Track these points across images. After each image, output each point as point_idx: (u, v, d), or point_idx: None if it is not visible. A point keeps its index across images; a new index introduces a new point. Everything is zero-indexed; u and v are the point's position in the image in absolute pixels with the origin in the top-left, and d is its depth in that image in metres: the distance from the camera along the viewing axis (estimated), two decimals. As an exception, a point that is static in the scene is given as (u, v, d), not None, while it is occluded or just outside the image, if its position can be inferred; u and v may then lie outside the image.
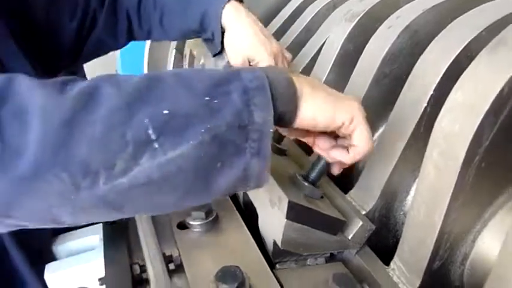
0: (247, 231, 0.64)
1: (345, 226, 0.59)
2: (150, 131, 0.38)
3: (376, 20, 0.77)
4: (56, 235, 0.72)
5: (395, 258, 0.58)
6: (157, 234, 0.61)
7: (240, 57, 0.80)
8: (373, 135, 0.75)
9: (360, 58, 0.75)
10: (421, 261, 0.54)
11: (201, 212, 0.64)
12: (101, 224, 0.68)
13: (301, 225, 0.54)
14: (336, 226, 0.57)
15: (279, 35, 1.05)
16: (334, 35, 0.84)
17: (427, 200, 0.54)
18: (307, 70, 0.90)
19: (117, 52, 1.60)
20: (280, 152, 0.69)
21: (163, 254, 0.58)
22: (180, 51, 1.27)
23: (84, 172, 0.37)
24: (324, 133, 0.53)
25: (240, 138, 0.40)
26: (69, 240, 0.70)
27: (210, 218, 0.65)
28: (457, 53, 0.58)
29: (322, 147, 0.53)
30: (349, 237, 0.59)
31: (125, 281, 0.55)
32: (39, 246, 0.70)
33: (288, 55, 0.83)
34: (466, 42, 0.58)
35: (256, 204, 0.63)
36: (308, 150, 0.76)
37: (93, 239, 0.69)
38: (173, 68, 1.27)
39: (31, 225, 0.41)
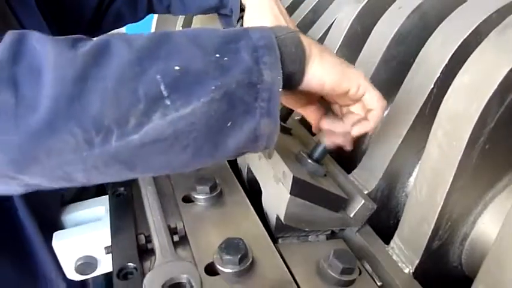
0: (251, 206, 0.65)
1: (347, 204, 0.60)
2: (162, 87, 0.38)
3: (385, 1, 0.76)
4: (64, 205, 0.73)
5: (395, 237, 0.59)
6: (162, 207, 0.62)
7: None
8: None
9: (369, 39, 0.75)
10: (420, 240, 0.55)
11: (206, 186, 0.65)
12: (107, 196, 0.70)
13: (304, 201, 0.55)
14: (338, 203, 0.58)
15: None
16: (342, 16, 0.83)
17: (430, 179, 0.54)
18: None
19: (123, 29, 1.60)
20: (286, 131, 0.70)
21: (168, 226, 0.59)
22: (187, 25, 1.26)
23: (97, 128, 0.37)
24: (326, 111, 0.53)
25: (250, 97, 0.40)
26: (76, 211, 0.71)
27: (215, 193, 0.66)
28: (466, 36, 0.58)
29: (313, 117, 0.54)
30: (351, 215, 0.60)
31: (131, 250, 0.56)
32: (49, 216, 0.71)
33: None
34: (476, 25, 0.58)
35: (260, 180, 0.64)
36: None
37: (99, 209, 0.70)
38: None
39: (44, 184, 0.41)
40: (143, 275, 0.52)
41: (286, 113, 0.69)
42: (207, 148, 0.41)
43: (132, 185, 0.72)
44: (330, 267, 0.53)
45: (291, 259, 0.56)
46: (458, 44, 0.58)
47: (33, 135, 0.36)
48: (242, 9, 0.83)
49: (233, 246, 0.52)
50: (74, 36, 0.40)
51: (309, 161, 0.58)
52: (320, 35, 0.91)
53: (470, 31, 0.58)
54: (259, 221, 0.62)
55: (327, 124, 0.53)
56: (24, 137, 0.36)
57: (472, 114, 0.49)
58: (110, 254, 0.57)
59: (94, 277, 0.70)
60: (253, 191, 0.70)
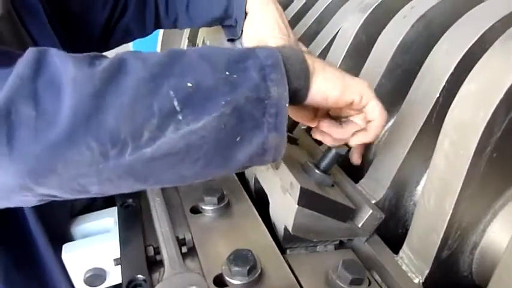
0: (259, 217, 0.65)
1: (355, 214, 0.60)
2: (175, 103, 0.39)
3: (389, 10, 0.76)
4: (73, 217, 0.74)
5: (404, 247, 0.59)
6: (170, 218, 0.63)
7: (256, 44, 0.81)
8: (384, 126, 0.76)
9: (374, 48, 0.75)
10: (429, 249, 0.55)
11: (214, 197, 0.65)
12: (115, 208, 0.70)
13: (312, 211, 0.55)
14: (346, 214, 0.58)
15: (291, 25, 1.05)
16: (347, 25, 0.84)
17: (438, 189, 0.54)
18: (320, 60, 0.90)
19: (130, 44, 1.62)
20: (292, 141, 0.70)
21: (177, 237, 0.59)
22: (192, 41, 1.28)
23: (113, 141, 0.38)
24: (328, 116, 0.55)
25: (259, 112, 0.42)
26: (85, 222, 0.72)
27: (222, 204, 0.66)
28: (471, 44, 0.58)
29: (326, 127, 0.55)
30: (359, 225, 0.59)
31: (140, 262, 0.56)
32: (58, 227, 0.72)
33: (304, 49, 0.84)
34: (480, 33, 0.58)
35: (267, 190, 0.64)
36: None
37: (108, 221, 0.70)
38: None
39: (60, 195, 0.42)
40: (152, 286, 0.52)
41: (293, 123, 0.69)
42: (217, 161, 0.43)
43: (140, 196, 0.73)
44: (339, 278, 0.53)
45: (299, 270, 0.56)
46: (464, 53, 0.58)
47: (52, 147, 0.37)
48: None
49: (242, 258, 0.52)
50: (90, 53, 0.42)
51: (316, 171, 0.58)
52: (325, 45, 0.92)
53: (475, 40, 0.58)
54: (267, 232, 0.62)
55: (326, 127, 0.55)
56: (44, 148, 0.37)
57: (478, 123, 0.49)
58: (119, 266, 0.58)
59: (103, 289, 0.70)
60: (260, 202, 0.70)
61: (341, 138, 0.54)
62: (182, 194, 0.71)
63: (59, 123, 0.37)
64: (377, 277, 0.56)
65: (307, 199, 0.53)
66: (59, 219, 0.73)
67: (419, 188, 0.66)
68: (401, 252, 0.59)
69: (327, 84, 0.47)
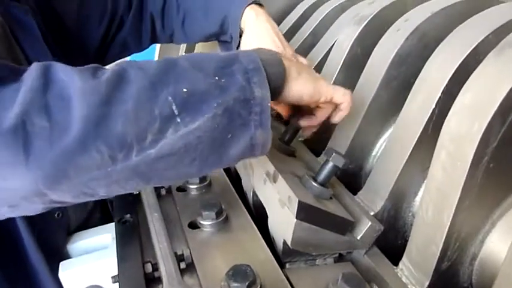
0: (257, 231, 0.65)
1: (354, 226, 0.59)
2: (174, 107, 0.43)
3: (384, 23, 0.77)
4: (70, 234, 0.74)
5: (404, 259, 0.59)
6: (168, 234, 0.62)
7: None
8: (381, 137, 0.76)
9: (369, 60, 0.76)
10: (429, 261, 0.55)
11: (212, 212, 0.65)
12: (113, 223, 0.70)
13: (310, 225, 0.54)
14: (344, 226, 0.58)
15: (286, 38, 1.06)
16: (342, 38, 0.84)
17: (435, 200, 0.54)
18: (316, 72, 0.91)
19: (127, 58, 1.63)
20: (290, 153, 0.70)
21: (175, 253, 0.59)
22: (189, 52, 1.28)
23: (120, 145, 0.42)
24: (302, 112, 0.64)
25: (245, 112, 0.46)
26: (82, 239, 0.71)
27: (221, 218, 0.66)
28: (465, 56, 0.59)
29: (306, 122, 0.64)
30: (358, 238, 0.59)
31: (138, 279, 0.56)
32: (55, 245, 0.71)
33: (303, 60, 0.84)
34: (474, 45, 0.58)
35: (266, 204, 0.64)
36: (316, 151, 0.77)
37: (106, 237, 0.70)
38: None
39: (67, 200, 0.45)
40: (151, 304, 0.52)
41: (290, 136, 0.69)
42: (212, 158, 0.47)
43: (138, 211, 0.73)
44: (339, 292, 0.52)
45: (298, 284, 0.56)
46: (458, 65, 0.59)
47: (65, 154, 0.41)
48: (241, 35, 0.85)
49: (241, 273, 0.51)
50: (91, 65, 0.45)
51: (314, 184, 0.58)
52: (320, 57, 0.93)
53: (469, 51, 0.59)
54: (266, 246, 0.62)
55: (305, 122, 0.64)
56: (58, 155, 0.40)
57: (474, 134, 0.49)
58: (117, 284, 0.57)
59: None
60: (259, 215, 0.70)
61: (318, 123, 0.64)
62: (180, 208, 0.71)
63: (71, 132, 0.40)
64: (377, 290, 0.56)
65: (305, 213, 0.53)
66: (56, 236, 0.72)
67: (418, 198, 0.66)
68: (401, 264, 0.59)
69: (300, 85, 0.54)
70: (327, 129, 0.71)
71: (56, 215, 0.74)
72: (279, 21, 1.17)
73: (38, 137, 0.40)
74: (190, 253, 0.60)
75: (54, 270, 0.66)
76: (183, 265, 0.59)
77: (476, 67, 0.54)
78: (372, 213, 0.63)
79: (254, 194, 0.71)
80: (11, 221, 0.66)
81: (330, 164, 0.57)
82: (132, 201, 0.75)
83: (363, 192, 0.68)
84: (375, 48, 0.75)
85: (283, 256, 0.60)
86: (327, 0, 1.10)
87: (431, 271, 0.54)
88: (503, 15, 0.60)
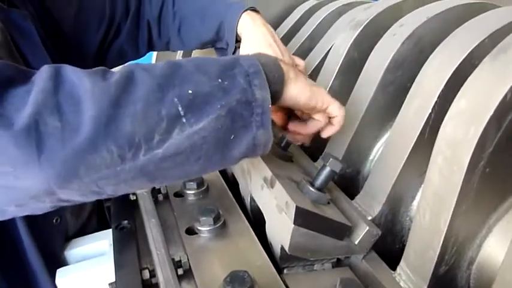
0: (255, 237, 0.65)
1: (352, 231, 0.59)
2: (180, 108, 0.45)
3: (380, 28, 0.78)
4: (68, 240, 0.73)
5: (402, 263, 0.59)
6: (166, 240, 0.62)
7: None
8: (378, 141, 0.77)
9: (365, 65, 0.76)
10: (427, 266, 0.55)
11: (209, 217, 0.65)
12: (110, 230, 0.70)
13: (308, 230, 0.54)
14: (342, 231, 0.58)
15: (283, 43, 1.07)
16: (339, 43, 0.85)
17: (432, 205, 0.54)
18: (313, 77, 0.91)
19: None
20: (287, 158, 0.70)
21: (172, 259, 0.59)
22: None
23: (129, 144, 0.43)
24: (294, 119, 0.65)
25: (247, 113, 0.48)
26: (80, 245, 0.71)
27: (218, 224, 0.66)
28: (460, 60, 0.59)
29: (293, 127, 0.65)
30: (356, 243, 0.59)
31: (135, 286, 0.56)
32: (53, 250, 0.71)
33: (300, 62, 0.85)
34: (470, 50, 0.59)
35: (263, 209, 0.64)
36: (313, 156, 0.77)
37: (103, 244, 0.70)
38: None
39: (78, 199, 0.47)
40: (148, 311, 0.52)
41: (287, 141, 0.69)
42: (216, 158, 0.49)
43: (135, 217, 0.72)
44: (337, 297, 0.52)
45: (296, 290, 0.56)
46: (454, 69, 0.59)
47: (76, 153, 0.42)
48: (238, 41, 0.85)
49: (238, 279, 0.51)
50: (99, 68, 0.47)
51: (311, 189, 0.58)
52: (317, 62, 0.93)
53: (464, 56, 0.59)
54: (264, 252, 0.62)
55: (293, 126, 0.65)
56: (69, 154, 0.42)
57: (470, 139, 0.49)
58: (115, 290, 0.57)
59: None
60: (257, 221, 0.69)
61: (307, 133, 0.64)
62: (177, 214, 0.71)
63: (82, 131, 0.42)
64: (375, 295, 0.56)
65: (303, 218, 0.53)
66: (54, 242, 0.72)
67: (415, 203, 0.66)
68: (398, 269, 0.59)
69: (298, 90, 0.55)
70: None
71: (54, 221, 0.74)
72: (275, 25, 1.17)
73: (51, 136, 0.41)
74: (188, 259, 0.60)
75: (52, 276, 0.66)
76: (180, 271, 0.59)
77: (472, 72, 0.54)
78: (369, 218, 0.63)
79: (252, 199, 0.70)
80: (11, 224, 0.66)
81: (327, 169, 0.57)
82: (130, 207, 0.75)
83: (360, 196, 0.68)
84: (371, 53, 0.75)
85: (281, 262, 0.60)
86: (323, 5, 1.11)
87: (429, 275, 0.54)
88: (499, 20, 0.61)
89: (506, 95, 0.48)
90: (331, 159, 0.57)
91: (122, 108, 0.43)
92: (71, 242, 0.72)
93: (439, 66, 0.61)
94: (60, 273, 0.65)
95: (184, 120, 0.45)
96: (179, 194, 0.77)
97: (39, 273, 0.69)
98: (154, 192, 0.76)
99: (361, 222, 0.60)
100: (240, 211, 0.71)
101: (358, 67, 0.78)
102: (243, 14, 0.82)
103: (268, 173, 0.60)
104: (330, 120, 0.62)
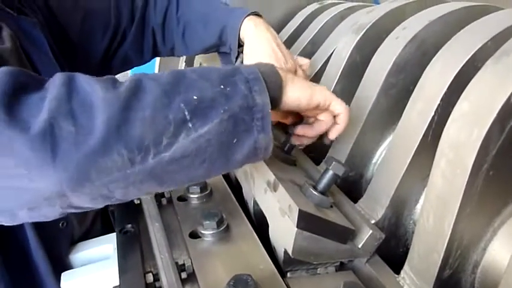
0: (258, 240, 0.65)
1: (355, 235, 0.59)
2: (186, 113, 0.47)
3: (382, 31, 0.78)
4: (73, 244, 0.74)
5: (406, 267, 0.59)
6: (169, 244, 0.62)
7: None
8: (381, 144, 0.77)
9: (368, 69, 0.76)
10: (431, 269, 0.54)
11: (213, 221, 0.65)
12: (114, 234, 0.70)
13: (311, 234, 0.54)
14: (345, 235, 0.58)
15: (286, 47, 1.07)
16: (341, 46, 0.85)
17: (436, 208, 0.54)
18: (315, 81, 0.91)
19: (128, 72, 1.64)
20: (290, 162, 0.70)
21: (176, 263, 0.59)
22: (189, 65, 1.29)
23: (139, 148, 0.45)
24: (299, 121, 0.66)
25: (249, 118, 0.50)
26: (84, 249, 0.71)
27: (222, 228, 0.66)
28: (463, 63, 0.59)
29: (301, 131, 0.66)
30: (359, 246, 0.59)
31: (139, 290, 0.56)
32: (59, 254, 0.72)
33: (304, 61, 0.85)
34: (472, 53, 0.59)
35: (266, 213, 0.64)
36: (316, 159, 0.77)
37: (108, 247, 0.70)
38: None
39: (85, 205, 0.48)
40: (152, 315, 0.52)
41: (291, 145, 0.69)
42: (220, 161, 0.51)
43: (139, 221, 0.73)
44: (341, 301, 0.52)
45: (300, 294, 0.55)
46: (456, 72, 0.59)
47: (89, 156, 0.44)
48: (241, 45, 0.85)
49: (242, 283, 0.51)
50: (109, 77, 0.49)
51: (315, 192, 0.58)
52: (320, 65, 0.93)
53: (467, 59, 0.59)
54: (267, 255, 0.62)
55: (301, 131, 0.66)
56: (82, 157, 0.44)
57: (473, 142, 0.49)
58: (119, 294, 0.57)
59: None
60: (260, 224, 0.70)
61: (315, 135, 0.66)
62: (181, 218, 0.71)
63: (94, 136, 0.44)
64: (379, 299, 0.56)
65: (306, 222, 0.53)
66: (60, 245, 0.73)
67: (419, 206, 0.66)
68: (402, 273, 0.59)
69: (297, 93, 0.57)
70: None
71: (60, 225, 0.75)
72: (278, 30, 1.18)
73: (65, 140, 0.43)
74: (192, 263, 0.60)
75: (58, 279, 0.67)
76: (184, 275, 0.59)
77: (475, 74, 0.54)
78: (372, 222, 0.63)
79: (255, 203, 0.71)
80: (19, 227, 0.67)
81: (330, 173, 0.57)
82: (134, 211, 0.75)
83: (363, 200, 0.68)
84: (374, 56, 0.75)
85: (284, 265, 0.60)
86: (325, 9, 1.11)
87: (433, 279, 0.54)
88: (502, 23, 0.61)
89: (509, 98, 0.48)
90: (334, 162, 0.57)
91: (132, 114, 0.45)
92: (76, 245, 0.73)
93: (442, 69, 0.61)
94: (65, 276, 0.65)
95: (190, 124, 0.47)
96: (183, 198, 0.78)
97: (45, 276, 0.69)
98: (158, 196, 0.76)
99: (364, 226, 0.60)
100: (243, 215, 0.71)
101: (360, 71, 0.78)
102: (246, 18, 0.83)
103: (272, 177, 0.60)
104: (334, 119, 0.63)
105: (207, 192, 0.77)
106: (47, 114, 0.43)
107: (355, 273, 0.61)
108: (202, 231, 0.65)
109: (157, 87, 0.48)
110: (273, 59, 0.80)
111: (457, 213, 0.51)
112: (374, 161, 0.77)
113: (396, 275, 0.59)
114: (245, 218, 0.71)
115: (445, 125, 0.54)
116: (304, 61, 0.85)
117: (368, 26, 0.81)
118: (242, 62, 0.85)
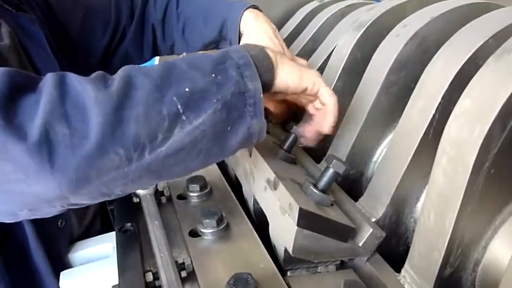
0: (258, 239, 0.65)
1: (355, 233, 0.59)
2: (179, 106, 0.47)
3: (383, 28, 0.77)
4: (72, 243, 0.74)
5: (406, 265, 0.58)
6: (169, 242, 0.62)
7: None
8: (382, 142, 0.76)
9: (368, 66, 0.76)
10: (431, 268, 0.54)
11: (213, 220, 0.65)
12: (114, 232, 0.70)
13: (312, 232, 0.54)
14: (346, 233, 0.58)
15: (286, 44, 1.06)
16: (342, 43, 0.84)
17: (437, 206, 0.54)
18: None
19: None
20: (290, 160, 0.70)
21: (176, 262, 0.58)
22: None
23: (135, 145, 0.45)
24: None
25: (241, 104, 0.50)
26: (83, 248, 0.71)
27: (221, 226, 0.66)
28: (464, 61, 0.58)
29: (306, 133, 0.68)
30: (360, 245, 0.59)
31: (139, 288, 0.55)
32: (58, 253, 0.72)
33: (302, 62, 0.84)
34: (474, 50, 0.58)
35: (266, 211, 0.64)
36: (317, 158, 0.77)
37: (106, 247, 0.70)
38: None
39: (85, 202, 0.49)
40: (152, 314, 0.51)
41: (290, 143, 0.69)
42: (215, 150, 0.51)
43: (138, 220, 0.72)
44: (341, 300, 0.52)
45: (300, 293, 0.55)
46: (458, 70, 0.58)
47: (86, 159, 0.44)
48: (240, 38, 0.85)
49: (242, 282, 0.51)
50: (99, 73, 0.49)
51: (315, 190, 0.57)
52: (320, 63, 0.93)
53: (468, 56, 0.58)
54: (267, 254, 0.61)
55: (307, 133, 0.67)
56: (80, 160, 0.44)
57: (475, 140, 0.49)
58: (118, 293, 0.57)
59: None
60: (260, 223, 0.69)
61: (316, 131, 0.66)
62: (180, 217, 0.71)
63: (90, 138, 0.44)
64: (380, 297, 0.56)
65: (306, 220, 0.53)
66: (60, 244, 0.73)
67: (419, 204, 0.66)
68: (403, 271, 0.59)
69: (287, 75, 0.57)
70: (327, 135, 0.71)
71: (59, 223, 0.74)
72: (278, 27, 1.17)
73: (61, 145, 0.43)
74: (191, 262, 0.60)
75: (57, 278, 0.67)
76: (184, 274, 0.58)
77: (476, 72, 0.53)
78: (373, 220, 0.63)
79: (255, 201, 0.70)
80: (18, 226, 0.67)
81: (331, 171, 0.57)
82: (133, 210, 0.75)
83: (364, 198, 0.68)
84: (375, 54, 0.75)
85: (284, 264, 0.59)
86: (326, 6, 1.11)
87: (434, 278, 0.54)
88: (503, 20, 0.60)
89: (511, 96, 0.48)
90: (334, 160, 0.57)
91: (125, 113, 0.45)
92: (75, 244, 0.72)
93: (443, 67, 0.61)
94: (64, 275, 0.65)
95: (184, 117, 0.47)
96: (182, 197, 0.77)
97: (44, 275, 0.69)
98: (158, 194, 0.76)
99: (365, 224, 0.59)
100: (243, 213, 0.71)
101: (361, 68, 0.78)
102: (246, 11, 0.83)
103: (272, 175, 0.60)
104: (324, 111, 0.63)
105: (206, 190, 0.77)
106: (41, 118, 0.43)
107: (356, 272, 0.61)
108: (202, 230, 0.65)
109: (149, 82, 0.47)
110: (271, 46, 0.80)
111: (458, 212, 0.51)
112: (375, 159, 0.77)
113: (397, 274, 0.59)
114: (245, 216, 0.70)
115: (446, 123, 0.54)
116: (302, 62, 0.84)
117: (369, 24, 0.80)
118: None
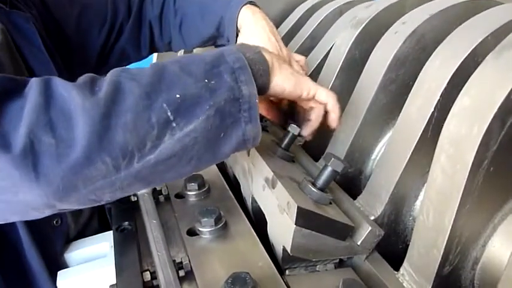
0: (257, 238, 0.64)
1: (354, 232, 0.59)
2: (169, 113, 0.45)
3: (382, 26, 0.77)
4: (68, 242, 0.73)
5: (405, 264, 0.58)
6: (167, 241, 0.62)
7: None
8: (381, 140, 0.76)
9: (367, 64, 0.75)
10: (430, 266, 0.54)
11: (211, 218, 0.65)
12: (111, 232, 0.69)
13: (310, 231, 0.54)
14: (344, 232, 0.57)
15: (285, 41, 1.06)
16: (340, 41, 0.84)
17: (436, 204, 0.54)
18: (314, 75, 0.90)
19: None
20: (288, 159, 0.70)
21: (174, 261, 0.58)
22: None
23: (123, 154, 0.44)
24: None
25: (235, 110, 0.49)
26: (80, 248, 0.71)
27: (220, 225, 0.65)
28: (463, 58, 0.58)
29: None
30: (358, 243, 0.59)
31: (136, 288, 0.55)
32: (54, 252, 0.71)
33: (300, 58, 0.84)
34: (472, 47, 0.58)
35: (265, 210, 0.63)
36: (315, 156, 0.77)
37: (104, 245, 0.69)
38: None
39: (74, 207, 0.48)
40: (149, 313, 0.51)
41: (289, 141, 0.69)
42: (207, 156, 0.49)
43: (136, 219, 0.72)
44: (340, 299, 0.52)
45: (299, 291, 0.55)
46: (456, 67, 0.58)
47: (72, 168, 0.43)
48: (237, 35, 0.84)
49: (240, 281, 0.51)
50: (88, 77, 0.47)
51: (313, 189, 0.57)
52: (319, 60, 0.92)
53: (467, 54, 0.58)
54: (266, 253, 0.61)
55: (306, 132, 0.65)
56: (66, 170, 0.42)
57: (474, 137, 0.49)
58: (115, 293, 0.57)
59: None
60: (258, 221, 0.69)
61: (317, 126, 0.64)
62: (178, 215, 0.70)
63: (76, 147, 0.42)
64: (378, 296, 0.55)
65: (304, 218, 0.53)
66: (55, 244, 0.72)
67: (418, 202, 0.65)
68: (402, 269, 0.58)
69: (282, 80, 0.56)
70: (325, 133, 0.71)
71: (54, 222, 0.74)
72: (276, 25, 1.16)
73: (46, 154, 0.42)
74: (189, 261, 0.59)
75: (53, 278, 0.66)
76: (181, 273, 0.58)
77: (475, 69, 0.53)
78: (372, 218, 0.63)
79: (253, 200, 0.70)
80: (11, 226, 0.66)
81: (329, 169, 0.57)
82: (130, 209, 0.74)
83: (362, 196, 0.67)
84: (373, 51, 0.75)
85: (282, 263, 0.59)
86: (324, 3, 1.10)
87: (433, 276, 0.54)
88: (502, 17, 0.60)
89: (510, 93, 0.48)
90: (333, 159, 0.56)
91: (112, 121, 0.44)
92: (72, 244, 0.72)
93: (442, 64, 0.61)
94: (61, 275, 0.65)
95: (174, 124, 0.46)
96: (180, 195, 0.77)
97: (40, 275, 0.68)
98: (155, 193, 0.76)
99: (363, 223, 0.59)
100: (242, 212, 0.71)
101: (359, 66, 0.77)
102: (243, 8, 0.82)
103: (270, 174, 0.60)
104: (326, 110, 0.62)
105: (204, 189, 0.76)
106: (26, 127, 0.42)
107: (355, 270, 0.60)
108: (200, 229, 0.65)
109: (138, 88, 0.46)
110: (268, 46, 0.79)
111: (457, 209, 0.51)
112: (373, 157, 0.76)
113: (396, 272, 0.58)
114: (243, 215, 0.70)
115: (444, 120, 0.54)
116: (299, 57, 0.84)
117: (367, 21, 0.80)
118: None
